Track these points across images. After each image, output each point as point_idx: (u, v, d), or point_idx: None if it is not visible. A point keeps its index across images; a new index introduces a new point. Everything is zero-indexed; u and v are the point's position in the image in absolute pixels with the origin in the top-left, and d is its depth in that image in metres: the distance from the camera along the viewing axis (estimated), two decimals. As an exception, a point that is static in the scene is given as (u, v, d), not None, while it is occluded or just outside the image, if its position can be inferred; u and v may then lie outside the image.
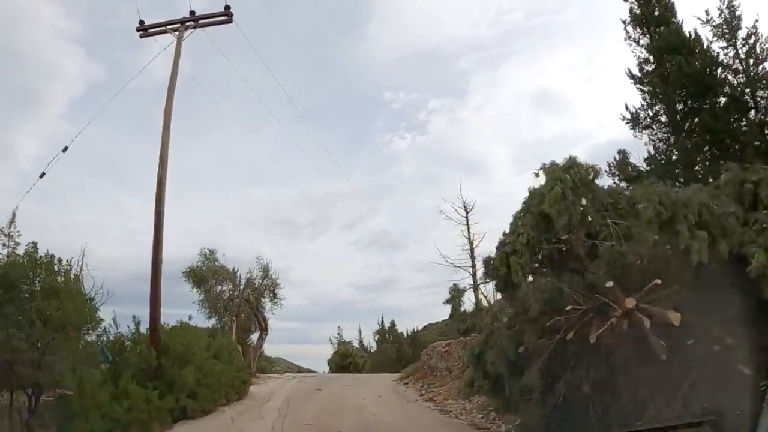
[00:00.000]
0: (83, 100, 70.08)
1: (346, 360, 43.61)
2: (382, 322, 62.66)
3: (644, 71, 20.23)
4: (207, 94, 27.97)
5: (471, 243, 33.08)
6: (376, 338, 62.21)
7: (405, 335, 67.28)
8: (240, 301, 31.08)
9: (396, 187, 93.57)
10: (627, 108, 20.90)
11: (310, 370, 68.08)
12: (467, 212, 33.90)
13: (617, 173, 19.70)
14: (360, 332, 53.85)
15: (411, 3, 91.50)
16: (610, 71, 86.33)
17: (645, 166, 19.38)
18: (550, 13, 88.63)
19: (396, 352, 60.52)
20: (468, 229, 33.58)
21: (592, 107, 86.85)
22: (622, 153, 20.84)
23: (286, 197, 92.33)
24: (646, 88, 20.14)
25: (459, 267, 33.34)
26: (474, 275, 32.44)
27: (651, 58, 19.88)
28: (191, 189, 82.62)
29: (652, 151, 20.07)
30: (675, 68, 18.07)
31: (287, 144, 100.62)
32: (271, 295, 31.52)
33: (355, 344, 51.22)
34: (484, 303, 31.57)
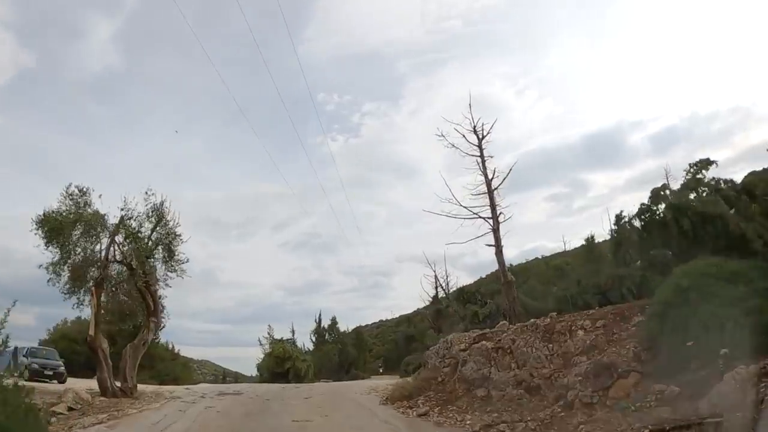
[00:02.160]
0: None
1: (283, 365, 28.36)
2: (320, 319, 48.99)
3: None
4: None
5: (489, 183, 18.93)
6: (314, 338, 48.43)
7: (350, 334, 53.70)
8: (107, 263, 15.66)
9: (327, 189, 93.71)
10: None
11: (238, 376, 54.14)
12: (481, 139, 19.73)
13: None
14: (293, 332, 43.65)
15: (351, 5, 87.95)
16: (544, 82, 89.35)
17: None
18: (488, 22, 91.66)
19: (339, 354, 46.64)
20: (482, 161, 19.35)
21: (525, 116, 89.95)
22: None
23: (216, 197, 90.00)
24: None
25: (477, 215, 19.38)
26: (497, 229, 18.48)
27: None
28: (119, 185, 70.05)
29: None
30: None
31: (219, 143, 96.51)
32: (166, 254, 16.18)
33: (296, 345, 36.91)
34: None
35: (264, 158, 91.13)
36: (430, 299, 46.19)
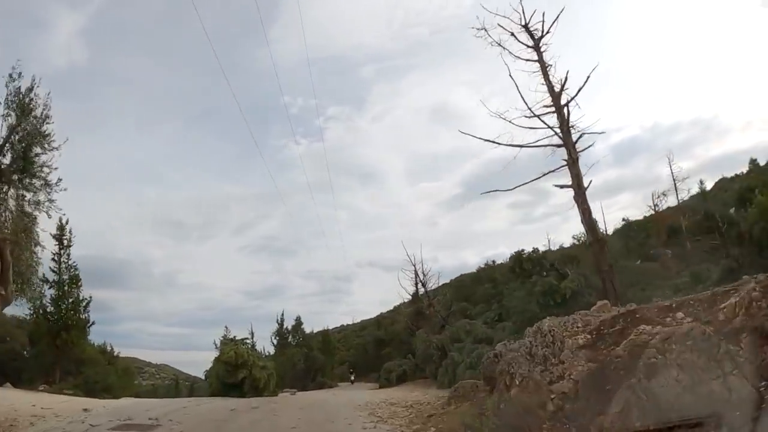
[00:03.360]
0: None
1: (236, 374, 19.73)
2: (282, 320, 40.68)
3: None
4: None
5: (557, 95, 10.91)
6: (275, 341, 39.99)
7: (315, 336, 45.55)
8: None
9: (289, 193, 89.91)
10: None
11: (195, 381, 47.85)
12: (538, 39, 11.77)
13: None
14: (252, 334, 37.50)
15: (319, 9, 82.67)
16: (507, 89, 79.69)
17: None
18: (454, 30, 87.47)
19: (304, 359, 38.27)
20: (543, 67, 11.38)
21: (487, 125, 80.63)
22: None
23: (177, 198, 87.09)
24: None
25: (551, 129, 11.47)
26: (575, 160, 10.62)
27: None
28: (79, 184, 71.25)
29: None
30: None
31: (182, 143, 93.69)
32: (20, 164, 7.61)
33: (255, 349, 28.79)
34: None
35: (227, 160, 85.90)
36: (410, 297, 38.65)
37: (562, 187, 12.54)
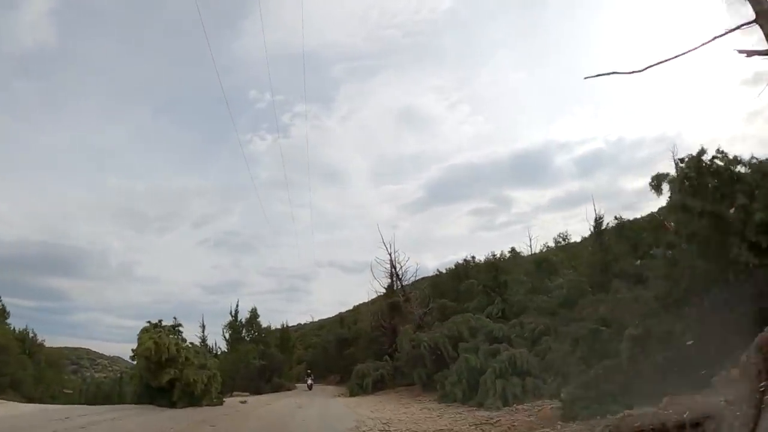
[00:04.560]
0: None
1: (161, 375, 12.86)
2: (236, 312, 33.82)
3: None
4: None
5: None
6: (228, 334, 33.02)
7: (273, 332, 38.80)
8: None
9: (251, 188, 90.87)
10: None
11: None
12: None
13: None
14: (203, 328, 34.16)
15: (292, 4, 76.88)
16: (477, 99, 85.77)
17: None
18: (427, 34, 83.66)
19: (260, 357, 31.37)
20: None
21: (454, 129, 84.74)
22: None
23: (139, 188, 79.63)
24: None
25: None
26: None
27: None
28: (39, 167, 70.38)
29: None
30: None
31: (147, 132, 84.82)
32: None
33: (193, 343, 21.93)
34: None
35: (190, 151, 79.61)
36: (384, 290, 32.47)
37: (750, 54, 6.78)
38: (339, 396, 24.34)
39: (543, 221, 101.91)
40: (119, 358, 57.54)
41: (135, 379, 16.60)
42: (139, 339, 14.60)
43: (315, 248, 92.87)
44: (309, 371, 37.64)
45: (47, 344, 30.10)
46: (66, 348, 50.58)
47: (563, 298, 20.92)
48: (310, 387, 34.37)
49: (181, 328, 15.89)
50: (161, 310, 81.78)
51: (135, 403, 16.47)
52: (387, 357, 25.45)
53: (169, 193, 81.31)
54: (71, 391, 29.45)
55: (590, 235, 25.84)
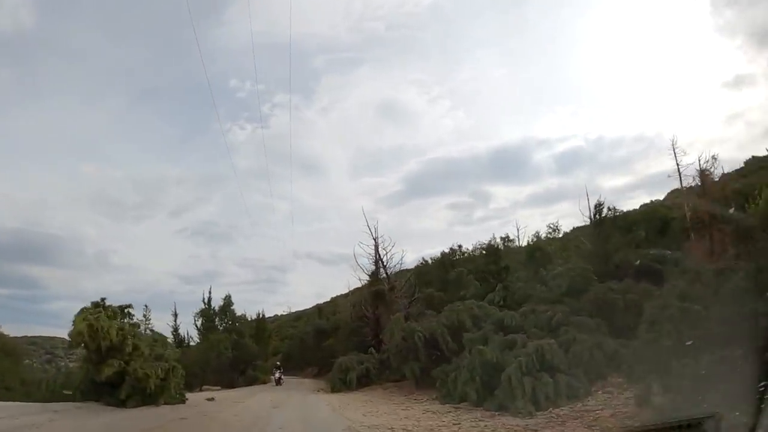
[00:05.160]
0: None
1: (103, 366, 9.80)
2: (209, 299, 30.72)
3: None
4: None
5: None
6: (200, 323, 29.96)
7: (248, 322, 35.72)
8: None
9: (230, 178, 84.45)
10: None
11: None
12: None
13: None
14: (176, 316, 30.73)
15: None
16: (457, 94, 79.03)
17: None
18: (410, 28, 78.61)
19: (233, 348, 28.34)
20: None
21: (434, 124, 79.14)
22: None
23: (116, 175, 75.42)
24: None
25: None
26: None
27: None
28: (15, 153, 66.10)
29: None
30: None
31: (125, 120, 76.79)
32: None
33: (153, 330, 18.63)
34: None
35: (168, 140, 75.93)
36: (368, 277, 29.67)
37: None
38: (319, 391, 21.59)
39: (521, 217, 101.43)
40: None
41: (80, 372, 13.54)
42: (73, 322, 11.56)
43: (293, 240, 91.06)
44: (278, 364, 32.46)
45: (22, 333, 26.91)
46: (41, 337, 47.38)
47: (567, 286, 18.79)
48: (278, 382, 29.64)
49: (131, 311, 12.90)
50: (137, 299, 76.86)
51: (81, 400, 13.49)
52: (372, 349, 22.78)
53: (147, 181, 77.13)
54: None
55: (590, 224, 23.84)
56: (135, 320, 13.03)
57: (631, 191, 65.96)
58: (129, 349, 11.75)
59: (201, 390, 27.06)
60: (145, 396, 12.40)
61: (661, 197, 35.13)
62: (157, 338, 15.04)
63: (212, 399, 16.09)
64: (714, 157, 21.89)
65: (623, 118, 71.13)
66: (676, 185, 23.51)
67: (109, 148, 79.30)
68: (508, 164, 75.37)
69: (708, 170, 21.40)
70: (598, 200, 23.49)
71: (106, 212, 79.68)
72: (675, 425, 4.39)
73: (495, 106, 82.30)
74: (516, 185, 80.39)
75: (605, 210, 23.48)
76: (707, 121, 63.26)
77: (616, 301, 14.89)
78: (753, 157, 30.49)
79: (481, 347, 11.17)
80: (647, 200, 34.57)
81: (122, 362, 11.54)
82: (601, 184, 70.25)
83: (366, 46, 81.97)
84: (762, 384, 4.37)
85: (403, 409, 11.52)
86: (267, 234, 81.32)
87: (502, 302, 17.72)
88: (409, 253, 78.83)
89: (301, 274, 79.60)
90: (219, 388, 27.36)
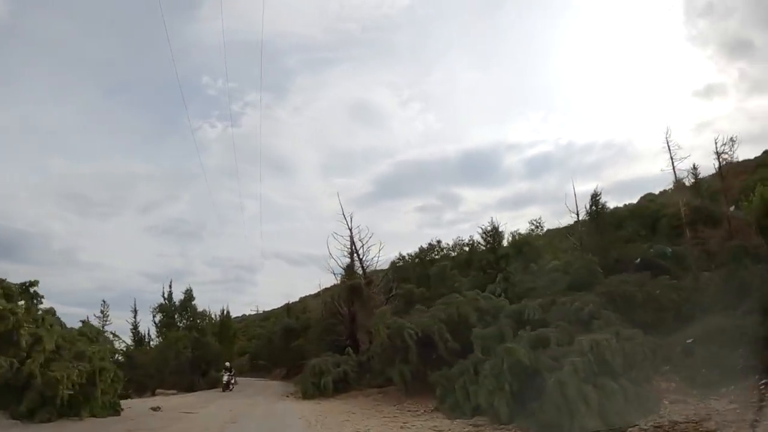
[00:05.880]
0: None
1: None
2: (170, 293, 27.18)
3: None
4: None
5: None
6: (159, 319, 26.45)
7: (211, 319, 32.07)
8: None
9: (201, 175, 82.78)
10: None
11: None
12: None
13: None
14: (135, 313, 26.82)
15: None
16: (428, 97, 80.00)
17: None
18: (384, 30, 78.61)
19: (193, 347, 24.85)
20: None
21: (405, 126, 79.74)
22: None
23: (84, 170, 71.01)
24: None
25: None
26: None
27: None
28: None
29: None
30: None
31: (95, 114, 74.90)
32: None
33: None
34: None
35: (139, 135, 72.80)
36: (342, 271, 26.50)
37: None
38: (288, 397, 18.32)
39: (490, 220, 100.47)
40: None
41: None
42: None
43: (261, 239, 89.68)
44: (228, 365, 25.71)
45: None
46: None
47: (570, 279, 16.43)
48: (227, 386, 23.65)
49: (36, 289, 9.53)
50: (104, 297, 73.91)
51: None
52: (349, 349, 19.68)
53: (116, 177, 73.32)
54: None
55: (587, 217, 21.75)
56: (44, 305, 9.65)
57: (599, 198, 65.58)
58: (24, 340, 8.40)
59: (154, 394, 23.45)
60: (61, 407, 9.05)
61: (635, 200, 33.90)
62: (85, 332, 11.57)
63: (158, 408, 12.70)
64: (732, 140, 20.21)
65: (594, 125, 71.19)
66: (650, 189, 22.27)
67: (78, 142, 75.67)
68: (478, 168, 74.39)
69: (726, 152, 19.57)
70: (594, 191, 21.44)
71: (74, 208, 75.48)
72: (676, 424, 4.42)
73: (466, 110, 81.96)
74: (486, 189, 78.57)
75: (600, 203, 21.51)
76: (676, 129, 63.47)
77: (634, 294, 12.39)
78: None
79: (510, 345, 8.26)
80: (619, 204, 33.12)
81: (12, 360, 8.19)
82: (571, 189, 69.21)
83: (341, 46, 79.88)
84: (762, 383, 4.39)
85: (400, 427, 8.52)
86: (236, 233, 79.24)
87: (503, 295, 15.01)
88: (380, 253, 76.14)
89: (270, 275, 77.52)
90: (175, 391, 23.78)
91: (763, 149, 29.24)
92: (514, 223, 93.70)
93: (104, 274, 69.37)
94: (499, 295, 14.72)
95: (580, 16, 72.80)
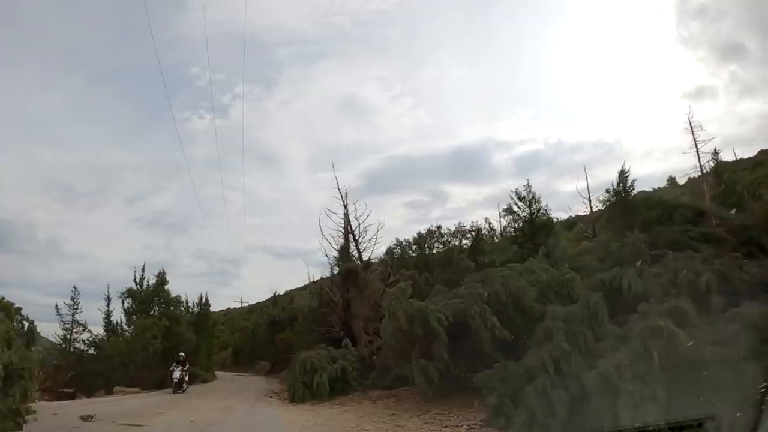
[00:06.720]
0: None
1: None
2: (142, 278, 23.16)
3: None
4: None
5: None
6: (127, 306, 22.44)
7: (188, 308, 28.08)
8: None
9: (185, 168, 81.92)
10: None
11: None
12: None
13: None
14: (108, 301, 22.66)
15: None
16: (419, 93, 77.57)
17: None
18: (375, 24, 75.74)
19: (164, 337, 20.95)
20: None
21: (394, 121, 76.34)
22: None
23: (70, 160, 68.71)
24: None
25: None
26: None
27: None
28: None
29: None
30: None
31: (81, 104, 71.55)
32: None
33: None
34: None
35: (126, 125, 69.86)
36: (336, 256, 22.67)
37: None
38: (272, 398, 14.62)
39: (478, 217, 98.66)
40: (46, 338, 47.89)
41: None
42: None
43: (247, 232, 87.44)
44: (181, 356, 19.57)
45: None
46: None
47: (615, 258, 13.16)
48: (178, 387, 17.97)
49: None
50: (88, 289, 72.38)
51: None
52: (347, 341, 16.01)
53: (102, 168, 70.38)
54: None
55: (615, 198, 18.81)
56: None
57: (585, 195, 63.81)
58: None
59: (112, 393, 19.50)
60: None
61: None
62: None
63: (89, 418, 8.89)
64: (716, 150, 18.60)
65: (583, 124, 69.43)
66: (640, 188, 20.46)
67: (64, 132, 72.89)
68: (467, 164, 72.08)
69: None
70: (622, 168, 18.38)
71: (59, 198, 72.24)
72: (676, 425, 4.02)
73: (456, 107, 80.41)
74: (474, 186, 76.26)
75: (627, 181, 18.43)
76: (666, 130, 61.77)
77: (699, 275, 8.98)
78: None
79: (661, 323, 4.78)
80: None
81: None
82: (558, 188, 67.41)
83: (331, 40, 77.13)
84: (762, 384, 3.88)
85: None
86: (221, 226, 76.87)
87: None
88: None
89: (255, 268, 75.75)
90: (139, 389, 19.78)
91: (757, 151, 27.76)
92: (502, 221, 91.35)
93: (89, 265, 66.95)
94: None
95: (571, 16, 70.96)
